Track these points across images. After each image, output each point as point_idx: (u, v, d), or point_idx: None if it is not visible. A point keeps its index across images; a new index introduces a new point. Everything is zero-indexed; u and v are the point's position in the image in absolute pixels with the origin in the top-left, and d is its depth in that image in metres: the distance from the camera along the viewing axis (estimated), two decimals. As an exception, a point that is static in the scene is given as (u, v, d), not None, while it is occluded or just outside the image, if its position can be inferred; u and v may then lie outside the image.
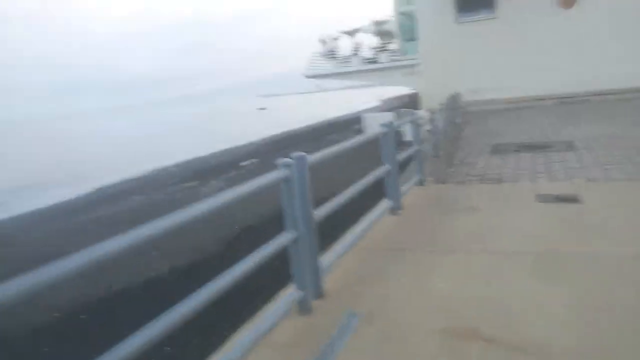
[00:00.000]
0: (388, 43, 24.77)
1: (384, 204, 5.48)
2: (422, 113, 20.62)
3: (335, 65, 25.05)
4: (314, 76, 25.92)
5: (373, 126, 25.70)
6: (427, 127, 9.17)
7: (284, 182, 3.24)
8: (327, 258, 3.72)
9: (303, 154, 3.45)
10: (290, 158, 3.42)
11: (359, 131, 30.54)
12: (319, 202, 3.61)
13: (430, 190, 6.68)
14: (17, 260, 8.85)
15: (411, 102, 33.03)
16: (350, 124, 37.69)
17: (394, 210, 5.57)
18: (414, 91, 27.76)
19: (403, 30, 23.29)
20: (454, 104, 14.37)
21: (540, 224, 4.70)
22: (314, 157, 3.60)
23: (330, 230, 4.02)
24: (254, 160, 27.42)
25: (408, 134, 8.32)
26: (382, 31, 24.73)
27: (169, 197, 14.42)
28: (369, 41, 25.52)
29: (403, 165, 6.79)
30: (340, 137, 31.57)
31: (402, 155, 6.33)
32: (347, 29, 25.50)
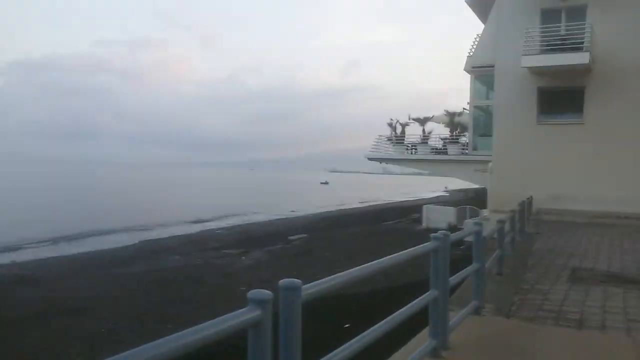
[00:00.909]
0: (459, 135, 23.66)
1: (425, 343, 4.10)
2: (487, 213, 18.99)
3: (400, 150, 24.11)
4: (376, 159, 25.06)
5: (433, 219, 24.12)
6: (493, 234, 7.74)
7: (252, 328, 2.05)
8: None
9: (295, 281, 2.26)
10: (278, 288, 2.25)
11: (417, 221, 28.99)
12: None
13: (489, 325, 5.18)
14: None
15: (477, 199, 31.20)
16: (408, 213, 36.22)
17: (437, 351, 4.16)
18: (481, 187, 26.09)
19: (477, 124, 22.14)
20: (525, 210, 12.75)
21: None
22: (311, 288, 2.40)
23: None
24: (302, 235, 26.38)
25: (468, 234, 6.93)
26: (454, 123, 23.69)
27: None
28: (439, 131, 24.52)
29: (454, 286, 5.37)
30: (396, 224, 30.14)
31: (458, 277, 4.96)
32: (418, 115, 24.75)
